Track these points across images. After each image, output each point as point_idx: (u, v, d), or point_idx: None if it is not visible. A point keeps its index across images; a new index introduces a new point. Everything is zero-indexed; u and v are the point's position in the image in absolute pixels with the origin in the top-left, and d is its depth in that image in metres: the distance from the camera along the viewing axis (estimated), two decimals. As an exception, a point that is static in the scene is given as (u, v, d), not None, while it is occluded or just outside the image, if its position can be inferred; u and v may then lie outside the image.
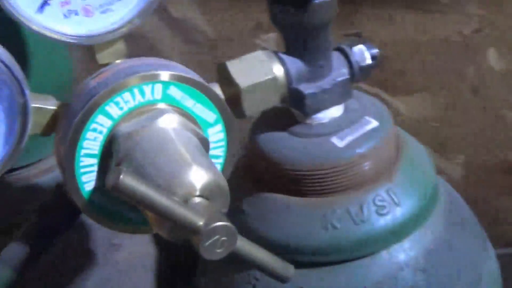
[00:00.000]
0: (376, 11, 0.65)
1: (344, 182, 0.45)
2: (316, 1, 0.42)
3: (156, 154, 0.34)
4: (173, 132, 0.36)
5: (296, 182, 0.45)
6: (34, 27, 0.35)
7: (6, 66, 0.34)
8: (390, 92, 0.68)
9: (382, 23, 0.65)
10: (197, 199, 0.32)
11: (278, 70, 0.43)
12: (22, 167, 0.51)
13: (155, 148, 0.34)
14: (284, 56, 0.44)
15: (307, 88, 0.44)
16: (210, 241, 0.30)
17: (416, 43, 0.66)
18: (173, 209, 0.29)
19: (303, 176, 0.44)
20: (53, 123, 0.38)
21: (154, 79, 0.36)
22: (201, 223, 0.29)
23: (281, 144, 0.46)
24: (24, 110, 0.36)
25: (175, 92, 0.37)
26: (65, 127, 0.36)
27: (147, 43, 0.70)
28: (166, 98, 0.37)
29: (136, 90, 0.36)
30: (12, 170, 0.51)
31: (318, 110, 0.46)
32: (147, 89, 0.36)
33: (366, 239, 0.44)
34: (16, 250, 0.40)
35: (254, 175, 0.48)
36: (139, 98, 0.36)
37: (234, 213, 0.48)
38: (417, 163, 0.48)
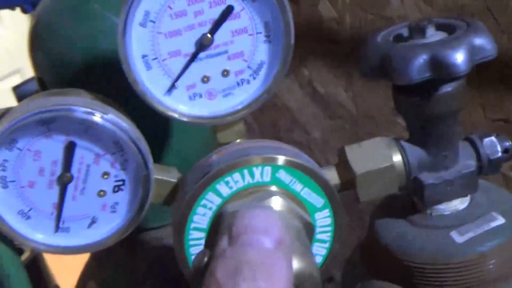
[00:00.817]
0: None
1: (460, 282, 0.42)
2: (440, 92, 0.41)
3: (257, 236, 0.35)
4: (278, 215, 0.37)
5: (408, 274, 0.43)
6: (161, 109, 0.38)
7: (134, 142, 0.38)
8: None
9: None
10: None
11: (396, 158, 0.43)
12: (155, 228, 0.55)
13: (256, 230, 0.35)
14: (405, 144, 0.44)
15: (428, 178, 0.43)
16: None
17: None
18: None
19: (415, 269, 0.43)
20: (174, 194, 0.41)
21: (264, 162, 0.37)
22: None
23: (397, 232, 0.45)
24: (147, 181, 0.39)
25: (284, 175, 0.38)
26: (179, 200, 0.39)
27: (291, 115, 0.73)
28: (275, 180, 0.38)
29: (246, 171, 0.37)
30: (146, 229, 0.55)
31: (439, 201, 0.44)
32: (256, 171, 0.37)
33: None
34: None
35: (368, 260, 0.48)
36: (248, 179, 0.38)
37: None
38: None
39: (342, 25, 0.66)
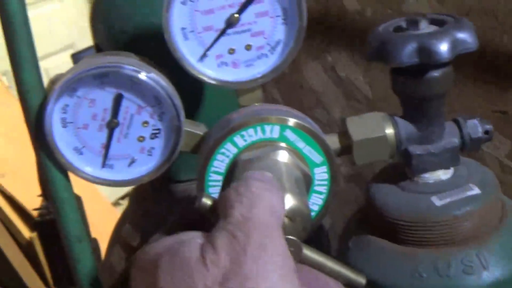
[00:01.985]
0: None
1: (436, 238, 0.49)
2: (428, 76, 0.48)
3: (262, 179, 0.43)
4: (282, 165, 0.45)
5: (393, 230, 0.51)
6: (194, 73, 0.47)
7: (170, 97, 0.46)
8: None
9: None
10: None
11: (389, 130, 0.50)
12: (188, 180, 0.63)
13: (262, 174, 0.44)
14: (398, 119, 0.51)
15: (415, 149, 0.51)
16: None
17: None
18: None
19: (399, 226, 0.50)
20: (200, 145, 0.49)
21: (274, 121, 0.46)
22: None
23: (387, 195, 0.52)
24: (178, 131, 0.48)
25: (290, 134, 0.46)
26: (203, 148, 0.47)
27: (315, 96, 0.80)
28: (282, 137, 0.46)
29: (258, 128, 0.46)
30: (178, 181, 0.64)
31: (425, 170, 0.51)
32: (267, 128, 0.46)
33: (448, 293, 0.49)
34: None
35: (364, 218, 0.55)
36: (260, 134, 0.46)
37: (343, 249, 0.56)
38: (519, 235, 0.51)
39: (364, 17, 0.73)
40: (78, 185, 0.51)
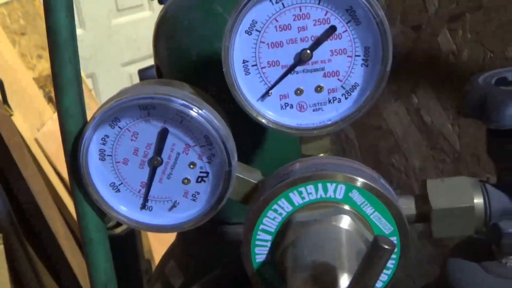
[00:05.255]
0: None
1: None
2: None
3: (318, 248, 0.36)
4: (343, 232, 0.38)
5: (471, 319, 0.43)
6: (253, 113, 0.41)
7: (222, 139, 0.40)
8: None
9: None
10: None
11: (478, 200, 0.42)
12: (239, 223, 0.57)
13: (319, 242, 0.37)
14: (490, 188, 0.43)
15: (508, 227, 0.42)
16: None
17: None
18: None
19: (479, 316, 0.42)
20: (253, 194, 0.43)
21: (339, 179, 0.39)
22: None
23: (467, 275, 0.44)
24: (228, 177, 0.41)
25: (356, 196, 0.39)
26: (255, 200, 0.41)
27: (394, 139, 0.72)
28: (347, 199, 0.39)
29: (320, 185, 0.39)
30: (228, 223, 0.58)
31: (516, 252, 0.43)
32: (330, 187, 0.39)
33: None
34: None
35: (436, 297, 0.47)
36: (321, 193, 0.39)
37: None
38: None
39: (459, 59, 0.65)
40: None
